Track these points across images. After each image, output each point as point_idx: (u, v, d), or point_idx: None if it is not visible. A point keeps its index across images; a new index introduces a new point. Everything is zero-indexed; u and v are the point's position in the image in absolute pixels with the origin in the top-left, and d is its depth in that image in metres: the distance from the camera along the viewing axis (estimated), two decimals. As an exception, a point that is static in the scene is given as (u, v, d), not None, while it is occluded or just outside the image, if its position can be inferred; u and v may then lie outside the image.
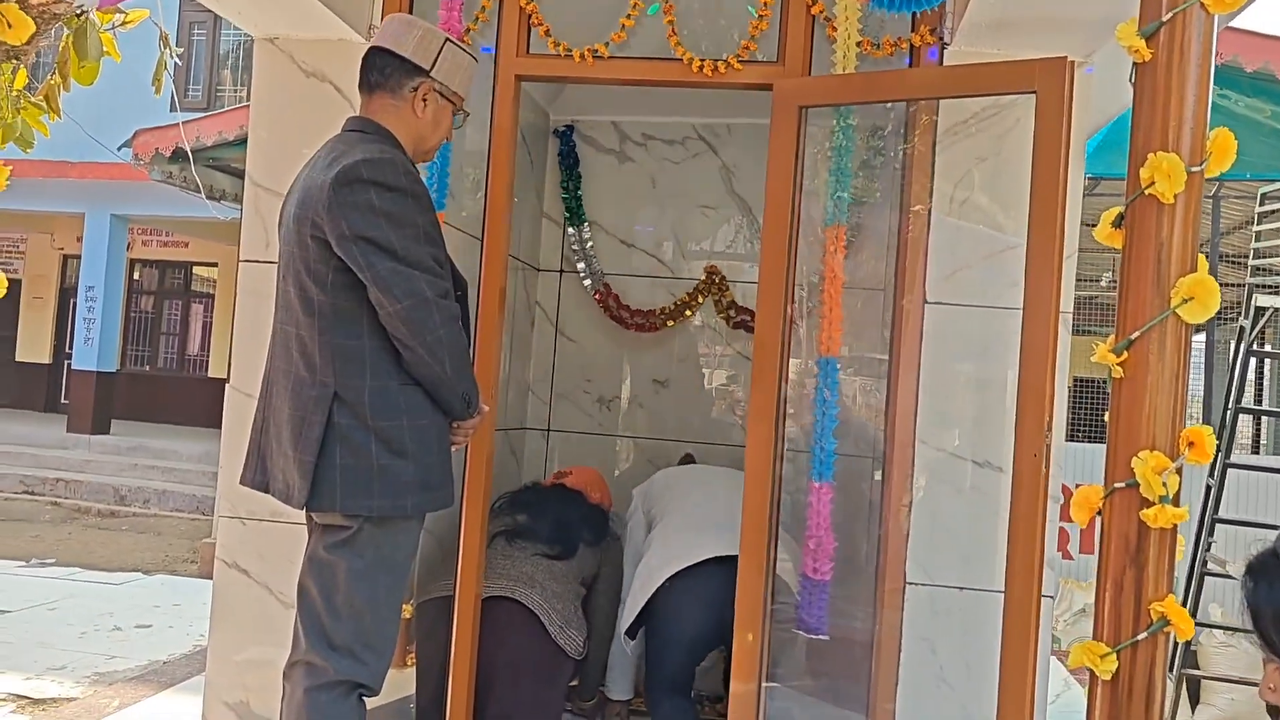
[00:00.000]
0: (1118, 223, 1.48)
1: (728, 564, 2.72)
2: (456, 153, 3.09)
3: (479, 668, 2.70)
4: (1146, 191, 1.42)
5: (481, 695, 2.72)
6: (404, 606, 2.97)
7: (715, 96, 3.21)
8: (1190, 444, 1.40)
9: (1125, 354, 1.42)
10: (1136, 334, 1.41)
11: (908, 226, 2.50)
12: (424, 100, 2.09)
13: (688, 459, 3.76)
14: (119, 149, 8.37)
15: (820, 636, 2.43)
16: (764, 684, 2.45)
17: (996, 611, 2.33)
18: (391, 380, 1.96)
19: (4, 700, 3.49)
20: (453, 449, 2.14)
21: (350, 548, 1.96)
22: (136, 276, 15.36)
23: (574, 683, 3.07)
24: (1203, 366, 12.28)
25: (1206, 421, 11.57)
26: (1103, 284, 8.94)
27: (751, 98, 2.74)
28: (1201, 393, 12.15)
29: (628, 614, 2.91)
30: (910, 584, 2.42)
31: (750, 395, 2.45)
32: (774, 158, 2.43)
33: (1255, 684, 4.30)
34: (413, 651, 2.95)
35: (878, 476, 2.71)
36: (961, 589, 2.40)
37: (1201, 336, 12.83)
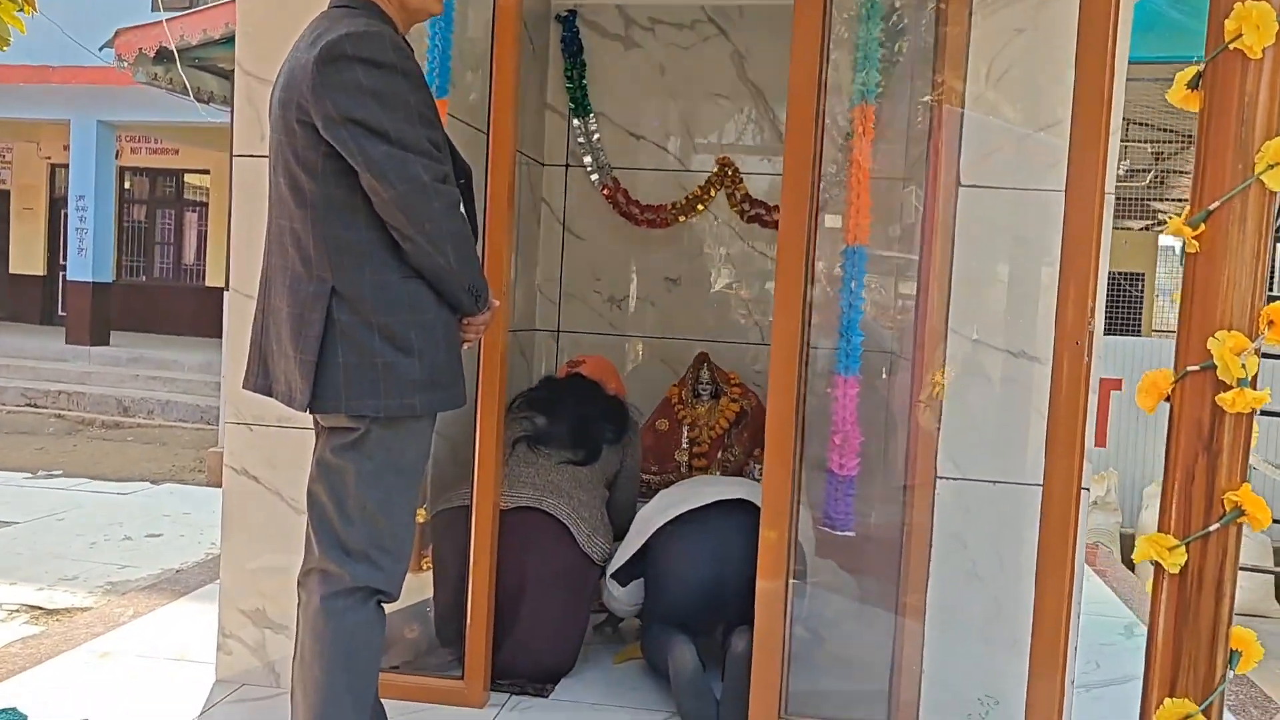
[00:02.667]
0: (1194, 83, 1.36)
1: (735, 512, 2.66)
2: (459, 40, 2.92)
3: (506, 578, 2.65)
4: (1231, 46, 1.29)
5: (509, 606, 2.69)
6: (419, 512, 2.94)
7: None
8: (1270, 323, 1.30)
9: (1202, 226, 1.31)
10: (1215, 205, 1.30)
11: (940, 106, 2.36)
12: None
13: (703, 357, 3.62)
14: (100, 50, 8.09)
15: (847, 533, 2.37)
16: (790, 580, 2.40)
17: (1030, 505, 2.27)
18: (392, 274, 1.84)
19: (17, 611, 3.47)
20: (464, 347, 2.04)
21: (358, 450, 1.87)
22: (128, 185, 15.13)
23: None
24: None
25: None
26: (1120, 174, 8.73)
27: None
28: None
29: (620, 555, 2.82)
30: (941, 478, 2.35)
31: (776, 286, 2.34)
32: (799, 38, 2.26)
33: (1265, 571, 4.28)
34: (428, 557, 2.91)
35: (906, 370, 2.62)
36: (994, 482, 2.32)
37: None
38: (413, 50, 1.93)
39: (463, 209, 1.96)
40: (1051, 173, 2.24)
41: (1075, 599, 2.17)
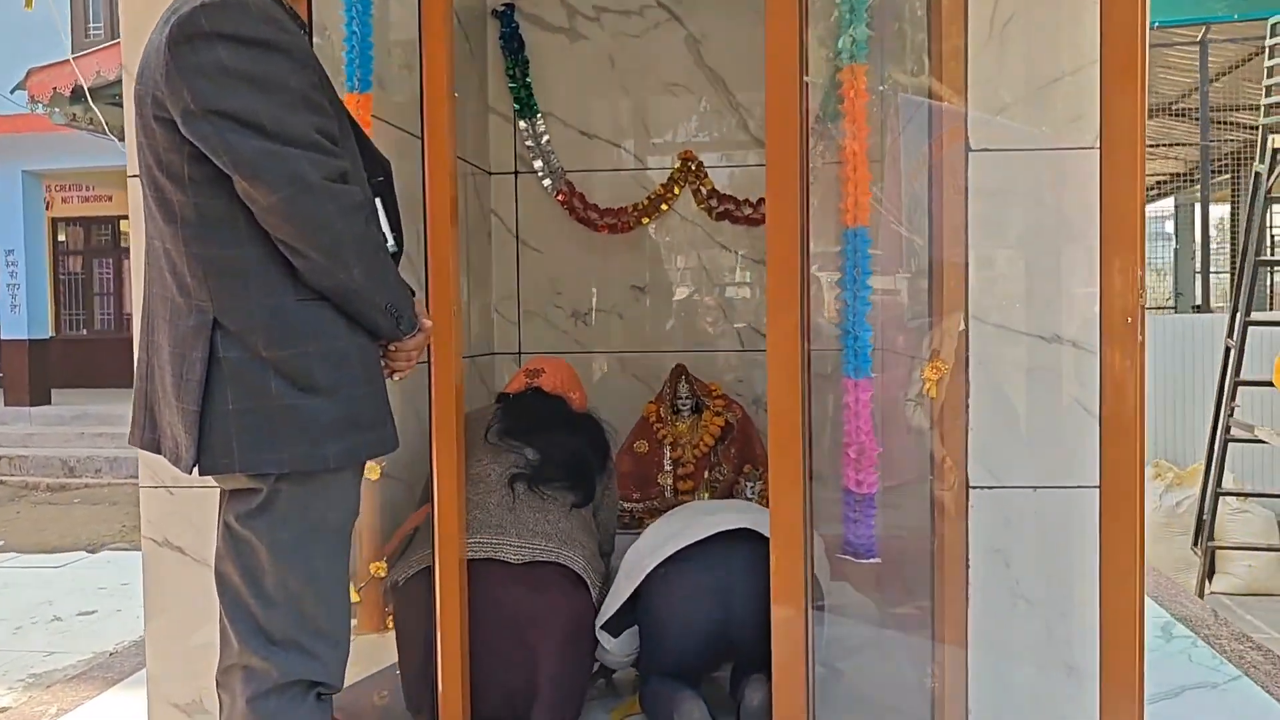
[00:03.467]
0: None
1: (739, 545, 2.34)
2: (385, 33, 2.60)
3: (513, 639, 2.33)
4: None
5: (517, 672, 2.35)
6: (377, 565, 2.58)
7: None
8: None
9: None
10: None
11: (939, 65, 2.06)
12: None
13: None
14: (12, 92, 7.66)
15: (871, 560, 2.05)
16: (810, 609, 2.08)
17: (1077, 510, 1.98)
18: (287, 297, 1.50)
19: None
20: (395, 379, 1.70)
21: (268, 516, 1.52)
22: (61, 237, 14.59)
23: None
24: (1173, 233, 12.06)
25: (1176, 289, 11.39)
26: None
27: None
28: (1173, 262, 11.95)
29: (609, 603, 2.47)
30: (974, 488, 2.04)
31: (768, 281, 2.02)
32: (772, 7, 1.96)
33: (1269, 549, 4.04)
34: (391, 615, 2.56)
35: (921, 368, 2.32)
36: (1035, 488, 2.02)
37: (1169, 202, 12.61)
38: (302, 22, 1.59)
39: (381, 212, 1.63)
40: (1072, 128, 1.96)
41: (1143, 613, 1.87)
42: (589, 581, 2.45)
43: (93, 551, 6.06)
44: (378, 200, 1.68)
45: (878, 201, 2.38)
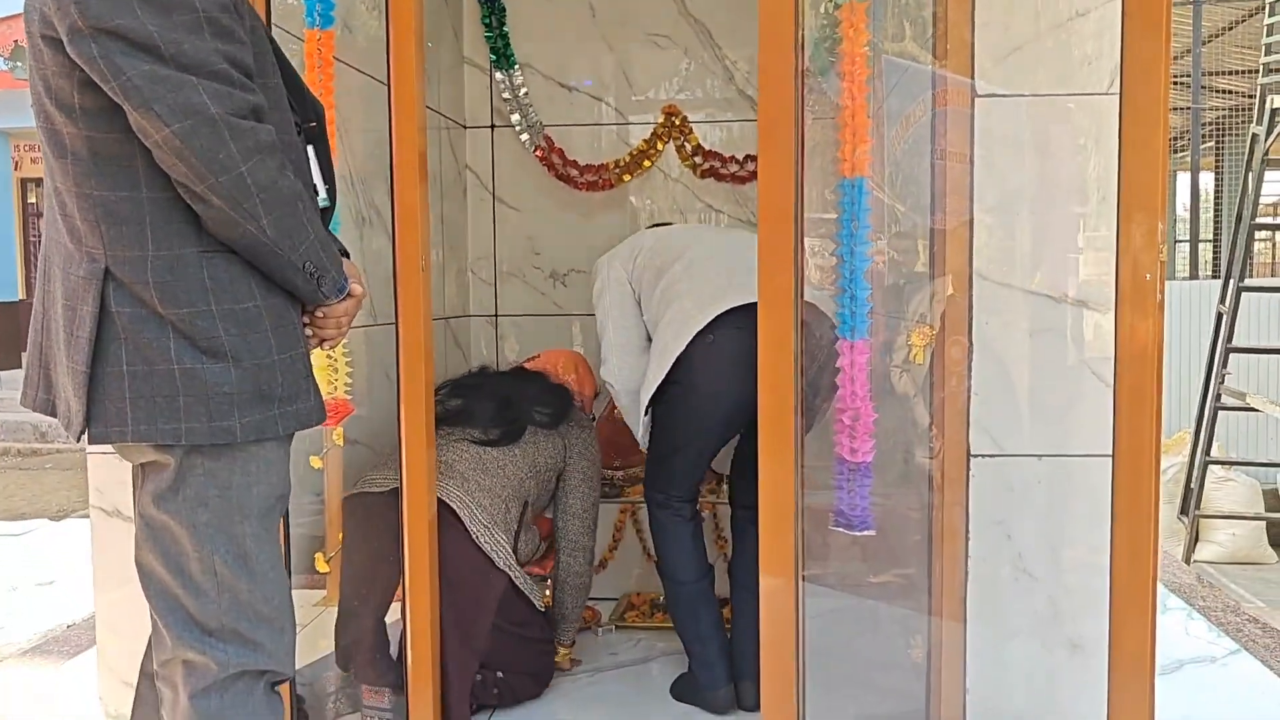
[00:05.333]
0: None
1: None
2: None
3: (362, 574, 2.28)
4: None
5: (366, 611, 2.30)
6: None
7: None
8: None
9: None
10: None
11: (944, 5, 1.93)
12: None
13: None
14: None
15: (866, 532, 1.94)
16: (801, 580, 1.97)
17: (1085, 481, 1.88)
18: (188, 247, 1.33)
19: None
20: (323, 347, 1.55)
21: (183, 496, 1.38)
22: (31, 198, 14.25)
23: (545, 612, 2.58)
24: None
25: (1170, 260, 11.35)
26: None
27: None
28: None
29: (650, 380, 2.45)
30: (975, 456, 1.93)
31: (759, 241, 1.89)
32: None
33: (1257, 518, 3.98)
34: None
35: (900, 337, 2.21)
36: (1040, 456, 1.91)
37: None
38: None
39: (313, 162, 1.48)
40: (1085, 71, 1.83)
41: (1156, 589, 1.77)
42: (463, 516, 2.32)
43: (56, 520, 5.90)
44: (309, 149, 1.52)
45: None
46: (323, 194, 1.54)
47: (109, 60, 1.25)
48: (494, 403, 2.60)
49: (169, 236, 1.33)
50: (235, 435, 1.35)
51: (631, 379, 2.60)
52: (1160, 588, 3.31)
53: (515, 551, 2.44)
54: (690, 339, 2.36)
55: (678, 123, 3.47)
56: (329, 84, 1.86)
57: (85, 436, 1.35)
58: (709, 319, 2.36)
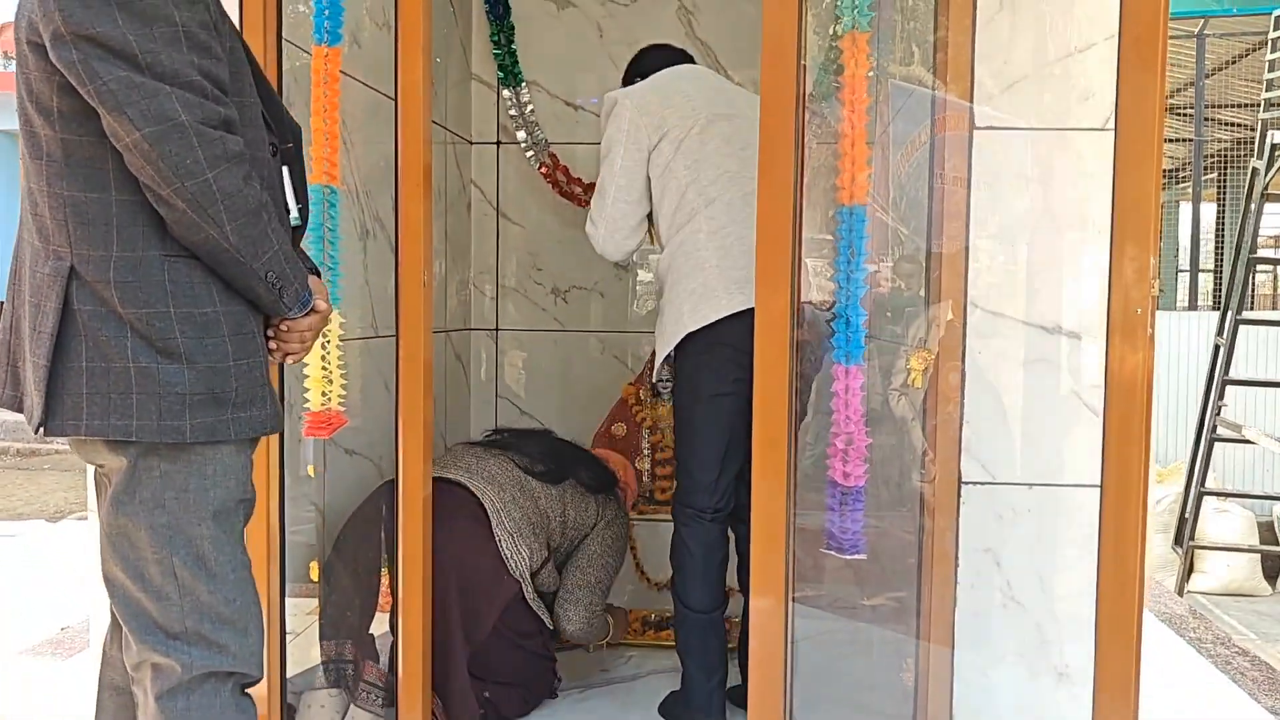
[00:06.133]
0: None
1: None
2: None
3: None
4: None
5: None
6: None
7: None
8: None
9: None
10: None
11: (945, 34, 1.95)
12: None
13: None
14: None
15: (856, 556, 1.95)
16: (791, 601, 1.99)
17: (1074, 510, 1.89)
18: (151, 249, 1.37)
19: None
20: (287, 360, 1.58)
21: (140, 499, 1.40)
22: (37, 199, 14.36)
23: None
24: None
25: (1159, 287, 11.36)
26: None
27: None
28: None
29: (666, 341, 2.42)
30: (966, 483, 1.95)
31: (757, 263, 1.92)
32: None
33: (1251, 550, 3.99)
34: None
35: (900, 360, 2.23)
36: (1030, 485, 1.93)
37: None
38: None
39: (287, 181, 1.53)
40: (1083, 107, 1.86)
41: (1141, 619, 1.78)
42: (492, 517, 2.40)
43: (53, 521, 5.90)
44: (285, 169, 1.57)
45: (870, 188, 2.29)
46: (294, 213, 1.58)
47: (87, 65, 1.29)
48: (546, 446, 2.71)
49: (133, 238, 1.37)
50: (185, 435, 1.38)
51: (614, 254, 2.61)
52: (1150, 618, 3.32)
53: (533, 577, 2.47)
54: (712, 320, 2.34)
55: (681, 143, 3.50)
56: (334, 99, 1.89)
57: (43, 430, 1.38)
58: (734, 309, 2.31)
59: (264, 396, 1.47)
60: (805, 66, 1.95)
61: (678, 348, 2.42)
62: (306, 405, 1.86)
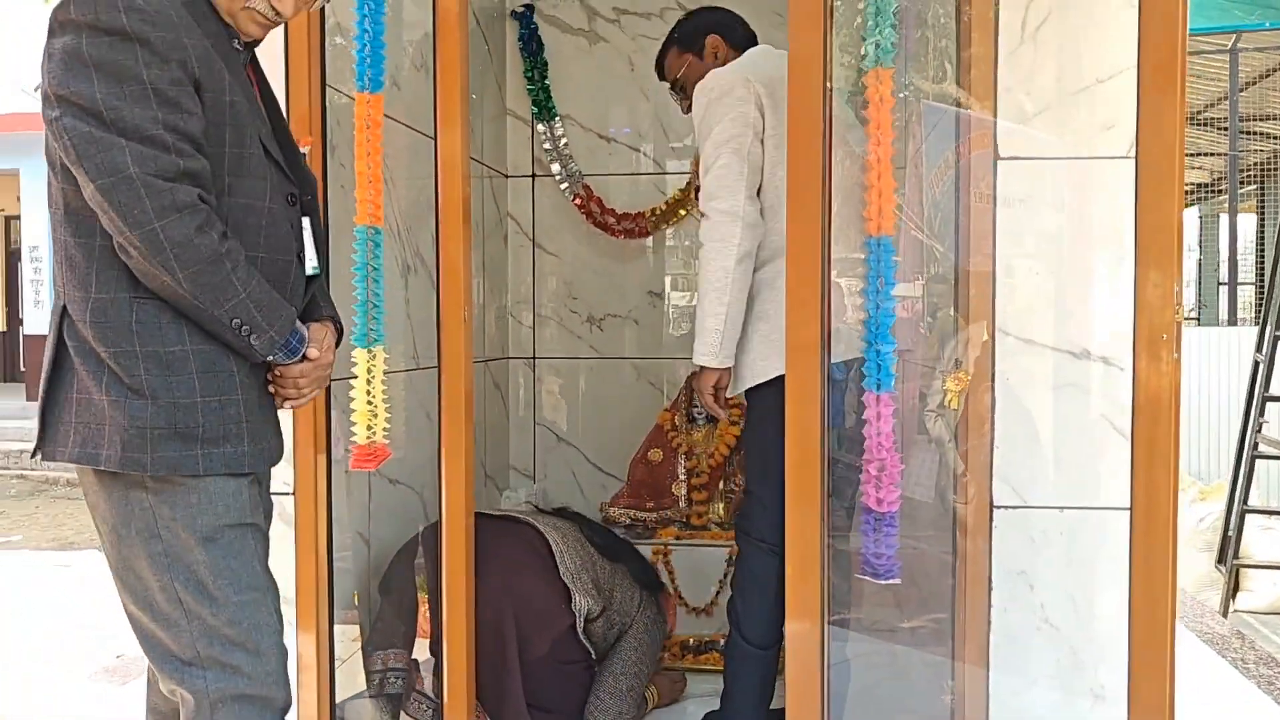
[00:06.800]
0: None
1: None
2: (394, 29, 2.55)
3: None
4: None
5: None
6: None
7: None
8: None
9: None
10: None
11: (968, 70, 2.00)
12: None
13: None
14: (35, 90, 7.69)
15: (891, 581, 1.98)
16: (827, 624, 2.02)
17: (1106, 532, 1.91)
18: (123, 292, 1.46)
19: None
20: (285, 405, 1.64)
21: (134, 529, 1.47)
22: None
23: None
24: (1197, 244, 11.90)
25: (1200, 301, 11.24)
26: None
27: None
28: (1196, 273, 11.81)
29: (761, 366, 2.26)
30: (998, 507, 1.97)
31: (787, 294, 1.96)
32: (795, 11, 1.91)
33: None
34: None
35: (935, 382, 2.26)
36: (1062, 509, 1.95)
37: (1193, 212, 12.45)
38: (221, 23, 1.56)
39: (307, 233, 1.63)
40: (1105, 137, 1.89)
41: (1174, 640, 1.80)
42: (554, 548, 2.49)
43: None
44: (305, 220, 1.65)
45: (902, 206, 2.32)
46: (313, 262, 1.67)
47: (60, 122, 1.40)
48: (606, 531, 2.82)
49: (108, 281, 1.46)
50: (145, 467, 1.45)
51: (754, 234, 2.24)
52: (1192, 638, 3.30)
53: (588, 630, 2.53)
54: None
55: (713, 172, 3.56)
56: (377, 143, 1.96)
57: (40, 455, 1.49)
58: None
59: (241, 434, 1.52)
60: (831, 91, 2.00)
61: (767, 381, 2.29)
62: (353, 439, 1.93)
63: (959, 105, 2.04)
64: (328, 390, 2.17)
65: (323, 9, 2.19)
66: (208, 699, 1.48)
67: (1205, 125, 8.88)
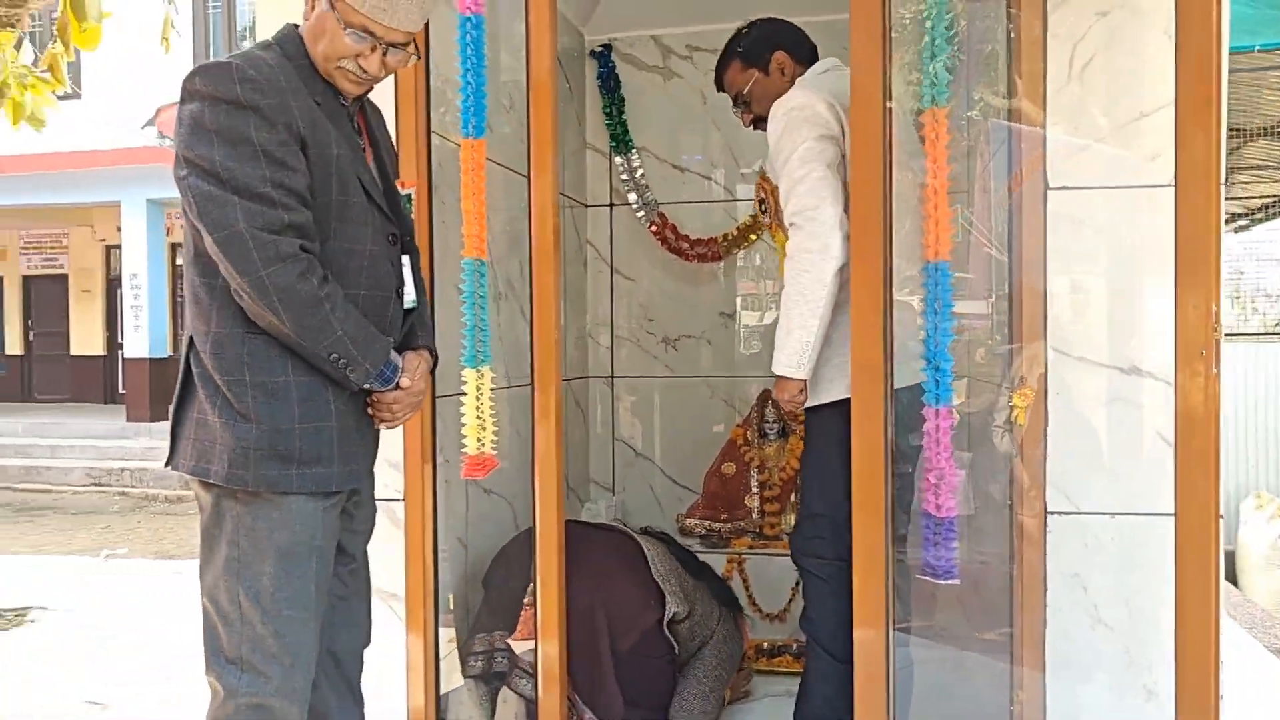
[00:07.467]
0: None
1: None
2: (492, 78, 2.78)
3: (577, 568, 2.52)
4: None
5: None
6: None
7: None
8: None
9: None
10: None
11: (1018, 104, 2.15)
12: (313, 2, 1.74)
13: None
14: (143, 128, 8.17)
15: (951, 581, 2.13)
16: (892, 629, 2.16)
17: (1156, 537, 2.03)
18: (236, 327, 1.66)
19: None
20: (381, 427, 1.82)
21: (219, 530, 1.68)
22: (179, 261, 15.35)
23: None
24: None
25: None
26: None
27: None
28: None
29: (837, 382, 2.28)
30: (1051, 513, 2.11)
31: (851, 313, 2.13)
32: (857, 38, 2.08)
33: None
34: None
35: (999, 395, 2.40)
36: (1113, 515, 2.08)
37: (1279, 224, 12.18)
38: (325, 87, 1.75)
39: (407, 269, 1.83)
40: (1152, 166, 2.03)
41: (1219, 639, 1.91)
42: (647, 551, 2.67)
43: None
44: (405, 258, 1.85)
45: (966, 225, 2.46)
46: (411, 296, 1.87)
47: (186, 181, 1.62)
48: (688, 551, 2.97)
49: (225, 318, 1.67)
50: (247, 484, 1.65)
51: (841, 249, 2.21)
52: (1258, 647, 3.35)
53: (673, 629, 2.70)
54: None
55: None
56: (481, 184, 2.17)
57: (169, 462, 1.72)
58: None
59: (332, 456, 1.71)
60: (891, 112, 2.14)
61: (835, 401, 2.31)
62: (464, 449, 2.14)
63: (1011, 135, 2.19)
64: (433, 405, 2.40)
65: (427, 60, 2.42)
66: (234, 699, 1.66)
67: (1274, 137, 8.75)
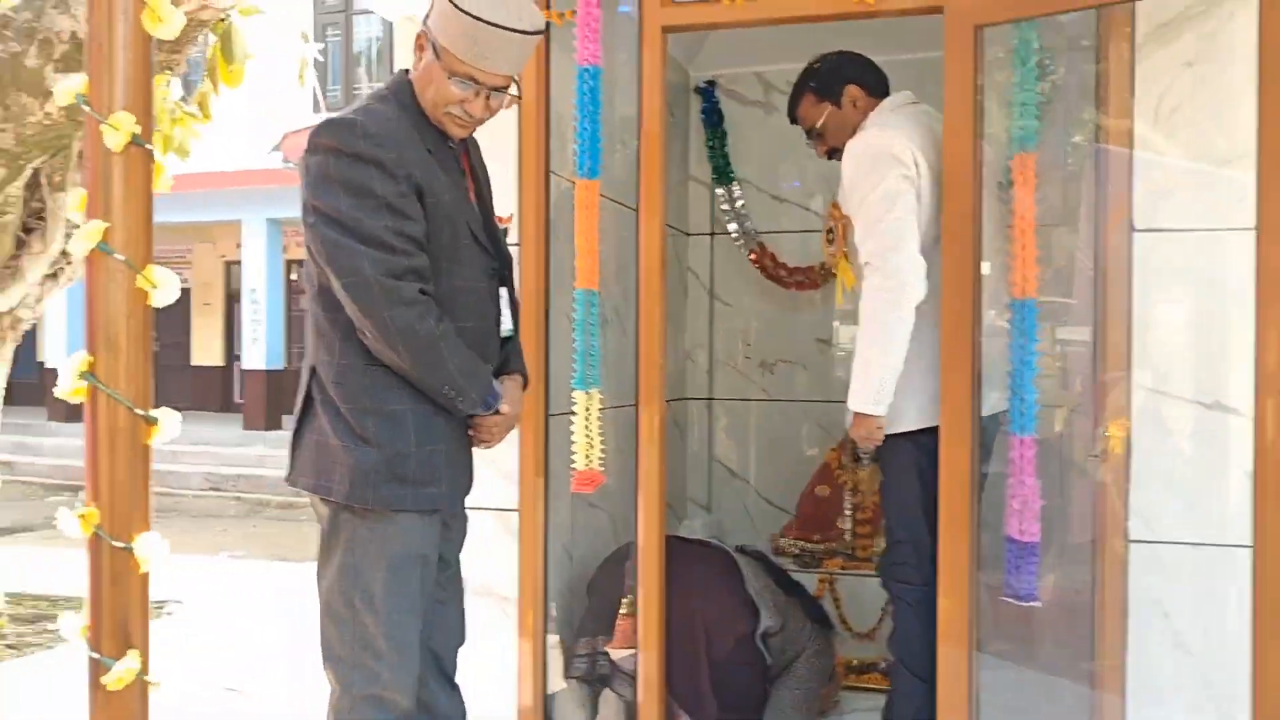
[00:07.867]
0: None
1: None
2: (606, 119, 2.99)
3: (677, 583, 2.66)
4: None
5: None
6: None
7: (866, 29, 3.00)
8: None
9: None
10: None
11: (1106, 148, 2.25)
12: (420, 50, 1.85)
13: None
14: (269, 152, 8.65)
15: (1032, 603, 2.23)
16: (974, 651, 2.27)
17: (1237, 568, 2.10)
18: (358, 359, 1.81)
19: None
20: (480, 447, 1.97)
21: (336, 539, 1.82)
22: (294, 277, 16.03)
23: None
24: None
25: None
26: None
27: (910, 28, 2.52)
28: None
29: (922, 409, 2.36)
30: (1133, 541, 2.19)
31: (942, 340, 2.25)
32: (951, 86, 2.22)
33: None
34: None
35: (1083, 425, 2.48)
36: (1194, 545, 2.15)
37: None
38: (442, 139, 1.88)
39: (504, 300, 1.97)
40: (1237, 209, 2.11)
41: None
42: (743, 567, 2.80)
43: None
44: (502, 290, 2.00)
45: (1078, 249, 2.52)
46: (508, 325, 2.02)
47: (314, 228, 1.78)
48: (781, 570, 3.09)
49: (348, 350, 1.82)
50: (367, 502, 1.78)
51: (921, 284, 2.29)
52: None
53: (766, 641, 2.82)
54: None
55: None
56: (594, 222, 2.36)
57: (288, 478, 1.89)
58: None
59: (441, 478, 1.85)
60: (983, 147, 2.25)
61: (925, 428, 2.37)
62: (573, 465, 2.32)
63: (1100, 176, 2.29)
64: (545, 423, 2.60)
65: (547, 105, 2.63)
66: (349, 694, 1.83)
67: None
